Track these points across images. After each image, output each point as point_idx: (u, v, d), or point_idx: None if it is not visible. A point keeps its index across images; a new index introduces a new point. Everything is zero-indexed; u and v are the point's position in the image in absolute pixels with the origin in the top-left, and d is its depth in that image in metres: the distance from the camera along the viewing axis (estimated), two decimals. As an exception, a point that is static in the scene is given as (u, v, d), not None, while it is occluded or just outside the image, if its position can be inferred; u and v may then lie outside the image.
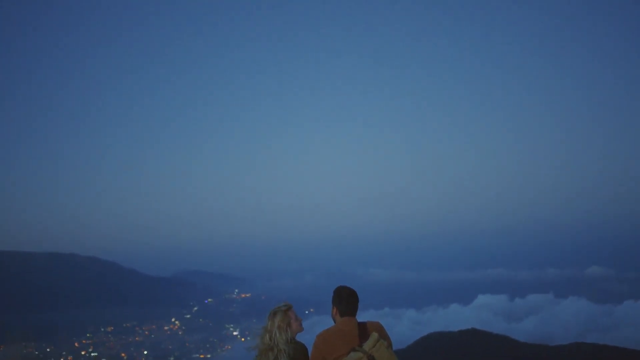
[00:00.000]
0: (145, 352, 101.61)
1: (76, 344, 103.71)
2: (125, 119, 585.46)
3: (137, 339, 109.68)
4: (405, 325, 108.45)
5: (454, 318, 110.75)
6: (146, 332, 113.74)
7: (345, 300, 5.25)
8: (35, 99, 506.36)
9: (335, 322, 5.29)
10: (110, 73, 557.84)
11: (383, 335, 5.17)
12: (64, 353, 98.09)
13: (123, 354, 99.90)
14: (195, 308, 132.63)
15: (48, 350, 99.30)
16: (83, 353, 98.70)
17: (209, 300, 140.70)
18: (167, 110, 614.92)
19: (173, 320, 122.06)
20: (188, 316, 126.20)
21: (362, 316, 5.28)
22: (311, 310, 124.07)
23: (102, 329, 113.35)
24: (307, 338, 5.36)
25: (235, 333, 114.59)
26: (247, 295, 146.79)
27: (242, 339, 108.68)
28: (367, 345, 4.99)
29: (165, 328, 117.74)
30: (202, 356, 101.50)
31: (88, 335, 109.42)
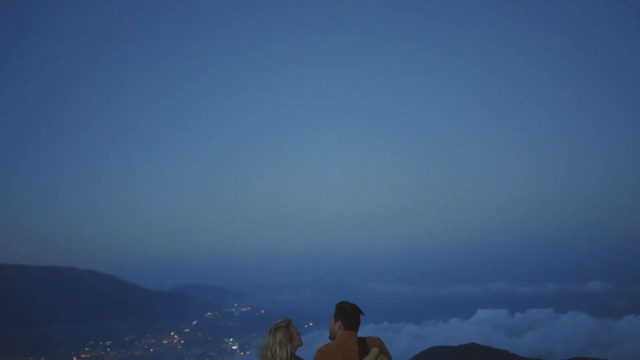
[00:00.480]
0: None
1: (75, 358, 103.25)
2: (124, 130, 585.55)
3: (136, 353, 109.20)
4: (405, 340, 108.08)
5: (453, 332, 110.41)
6: (145, 346, 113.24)
7: (351, 315, 5.33)
8: (32, 110, 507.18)
9: (335, 336, 5.34)
10: (109, 84, 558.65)
11: (383, 350, 5.21)
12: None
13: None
14: (195, 322, 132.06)
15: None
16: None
17: (208, 314, 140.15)
18: (166, 122, 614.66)
19: (172, 334, 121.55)
20: (187, 330, 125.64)
21: (361, 331, 5.33)
22: (310, 324, 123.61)
23: (101, 343, 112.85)
24: (307, 352, 5.42)
25: (234, 347, 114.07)
26: (247, 309, 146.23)
27: (242, 353, 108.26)
28: (366, 361, 5.05)
29: (165, 342, 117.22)
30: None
31: (87, 349, 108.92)
